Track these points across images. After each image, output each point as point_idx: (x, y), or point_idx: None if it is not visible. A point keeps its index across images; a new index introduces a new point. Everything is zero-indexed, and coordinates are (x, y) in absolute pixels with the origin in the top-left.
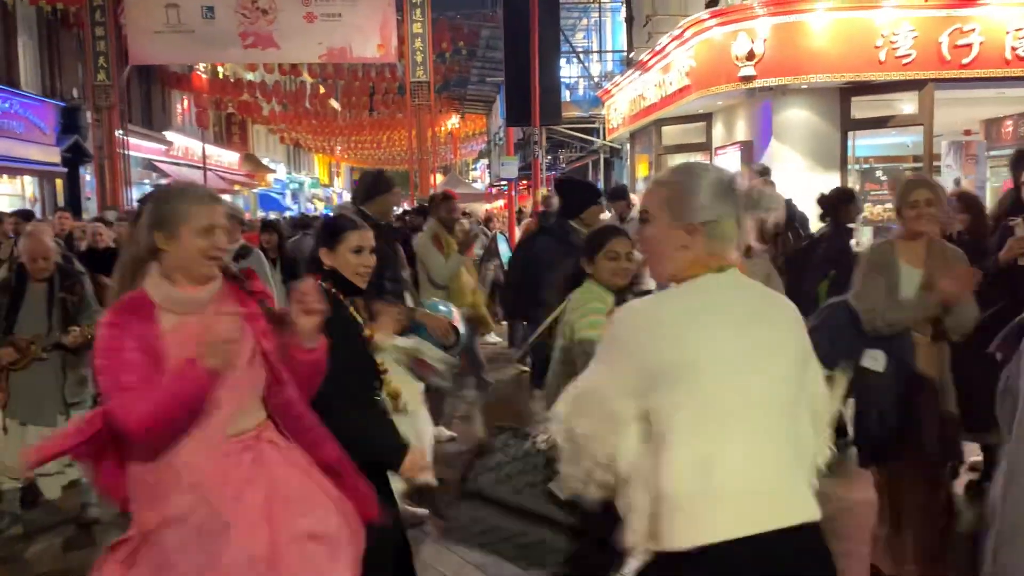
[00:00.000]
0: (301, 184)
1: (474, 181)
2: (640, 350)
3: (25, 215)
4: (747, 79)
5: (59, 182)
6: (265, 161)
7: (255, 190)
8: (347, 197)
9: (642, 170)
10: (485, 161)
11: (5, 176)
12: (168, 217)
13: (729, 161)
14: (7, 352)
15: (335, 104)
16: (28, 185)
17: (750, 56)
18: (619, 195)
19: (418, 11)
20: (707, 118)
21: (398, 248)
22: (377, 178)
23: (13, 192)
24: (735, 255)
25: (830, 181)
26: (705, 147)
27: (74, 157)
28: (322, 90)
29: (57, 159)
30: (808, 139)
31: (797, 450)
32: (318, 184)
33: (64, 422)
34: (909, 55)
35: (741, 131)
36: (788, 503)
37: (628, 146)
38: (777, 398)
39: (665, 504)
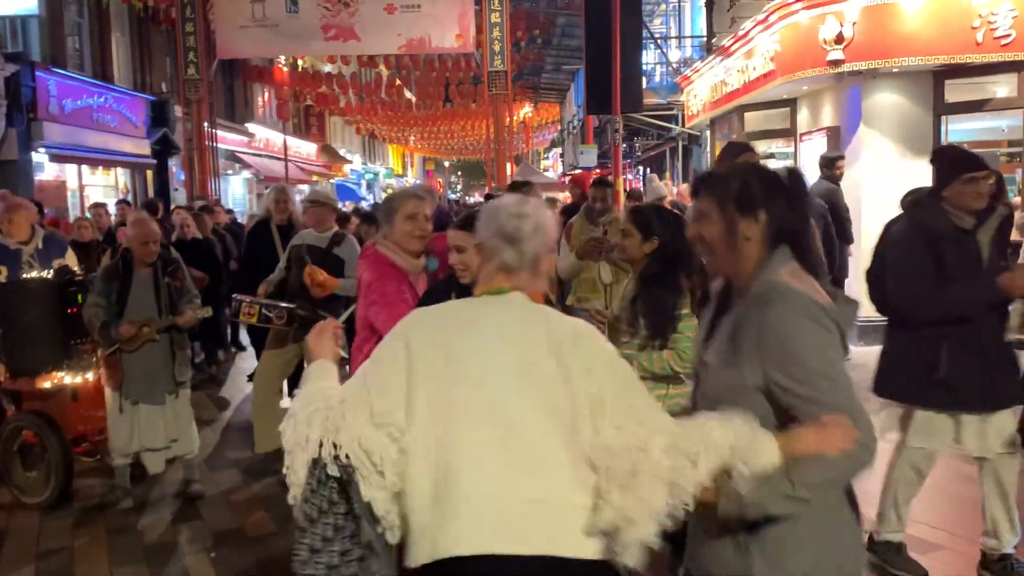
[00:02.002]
0: (376, 174)
1: (545, 170)
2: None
3: (150, 206)
4: (835, 63)
5: (149, 173)
6: (341, 152)
7: (332, 180)
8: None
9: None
10: (558, 150)
11: (100, 168)
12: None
13: (815, 147)
14: (126, 327)
15: (410, 95)
16: (121, 176)
17: (839, 39)
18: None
19: (496, 1)
20: (792, 104)
21: None
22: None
23: (107, 183)
24: (520, 278)
25: (922, 168)
26: (789, 133)
27: (163, 149)
28: (398, 81)
29: (147, 151)
30: (899, 124)
31: (551, 484)
32: (392, 174)
33: (173, 400)
34: (1009, 35)
35: (828, 117)
36: (524, 531)
37: (708, 133)
38: (532, 427)
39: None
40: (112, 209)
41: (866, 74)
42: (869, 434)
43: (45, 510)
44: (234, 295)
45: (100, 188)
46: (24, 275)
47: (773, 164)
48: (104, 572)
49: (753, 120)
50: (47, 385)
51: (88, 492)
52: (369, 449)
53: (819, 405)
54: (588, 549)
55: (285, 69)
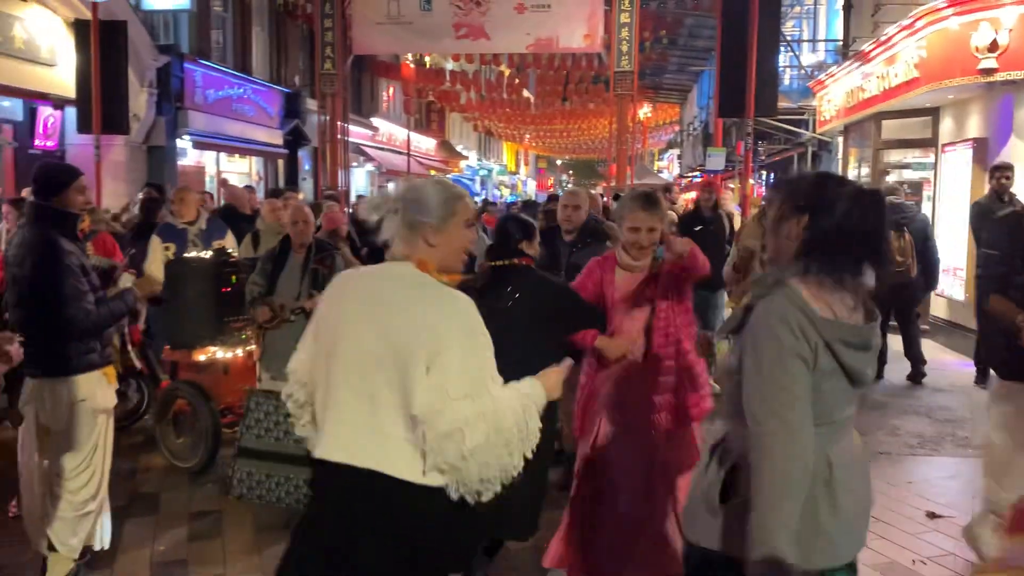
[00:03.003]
0: (490, 171)
1: (659, 171)
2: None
3: (274, 194)
4: (987, 72)
5: (280, 162)
6: (459, 148)
7: (448, 175)
8: (532, 185)
9: (857, 165)
10: (675, 151)
11: (237, 155)
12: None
13: (959, 159)
14: (263, 312)
15: (527, 94)
16: (254, 164)
17: (992, 47)
18: None
19: (627, 1)
20: (934, 112)
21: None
22: None
23: (242, 170)
24: (398, 249)
25: None
26: (930, 143)
27: (294, 140)
28: (517, 80)
29: (280, 141)
30: None
31: (387, 419)
32: (505, 171)
33: None
34: None
35: (974, 127)
36: (356, 447)
37: (840, 139)
38: (368, 371)
39: None
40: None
41: (1020, 84)
42: (785, 447)
43: (194, 475)
44: None
45: (236, 175)
46: (186, 254)
47: (909, 175)
48: (250, 537)
49: (891, 128)
50: (201, 358)
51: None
52: (287, 392)
53: (744, 396)
54: (415, 474)
55: (412, 66)
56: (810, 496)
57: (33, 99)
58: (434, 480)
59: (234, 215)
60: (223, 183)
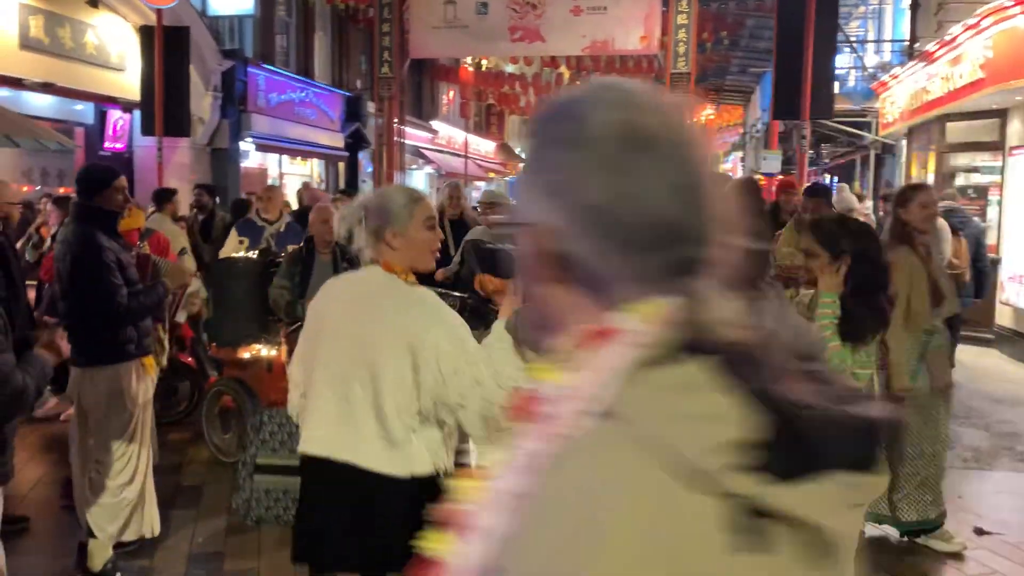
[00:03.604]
0: None
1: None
2: None
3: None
4: None
5: (341, 165)
6: (517, 150)
7: (507, 178)
8: None
9: (922, 169)
10: (739, 154)
11: (299, 158)
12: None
13: None
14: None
15: None
16: (315, 167)
17: None
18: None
19: (684, 2)
20: (1001, 115)
21: None
22: None
23: (303, 172)
24: (367, 254)
25: None
26: (997, 146)
27: (355, 143)
28: (577, 82)
29: (340, 144)
30: None
31: (354, 413)
32: None
33: None
34: None
35: None
36: (333, 442)
37: (904, 142)
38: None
39: None
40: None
41: None
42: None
43: (237, 469)
44: None
45: (297, 177)
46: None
47: (977, 179)
48: (285, 531)
49: (956, 131)
50: (246, 356)
51: None
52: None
53: None
54: (385, 466)
55: (470, 69)
56: None
57: (103, 103)
58: (402, 471)
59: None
60: (305, 186)
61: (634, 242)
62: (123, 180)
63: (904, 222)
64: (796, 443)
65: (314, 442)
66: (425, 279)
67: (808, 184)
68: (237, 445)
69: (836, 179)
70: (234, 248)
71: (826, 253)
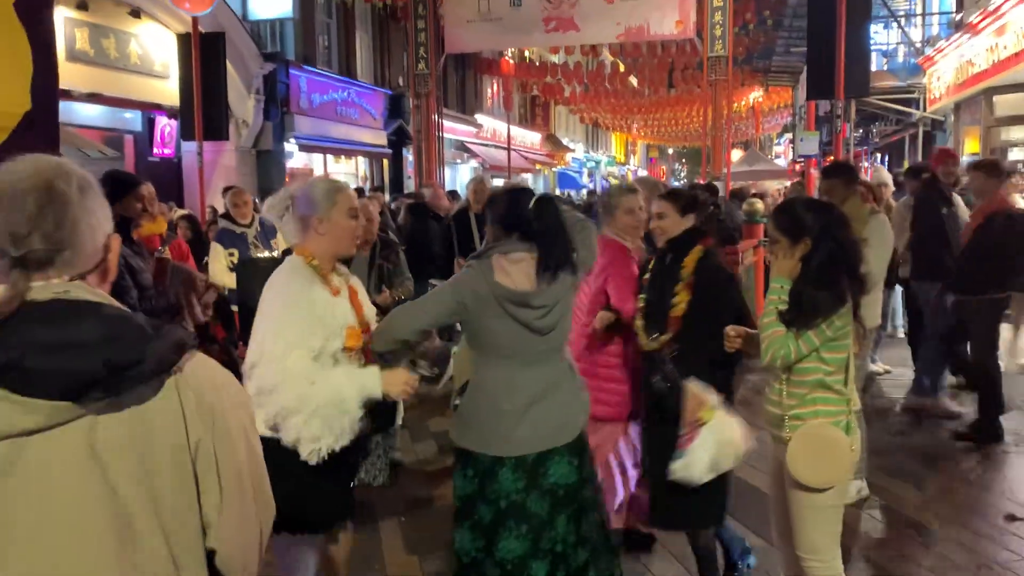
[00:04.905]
0: (598, 163)
1: (776, 157)
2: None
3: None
4: None
5: (385, 162)
6: (565, 141)
7: (554, 169)
8: (643, 174)
9: (970, 145)
10: (789, 136)
11: (343, 157)
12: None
13: None
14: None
15: (634, 82)
16: (360, 165)
17: None
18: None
19: None
20: None
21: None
22: None
23: (348, 171)
24: (292, 240)
25: None
26: None
27: (398, 140)
28: (622, 68)
29: (384, 142)
30: None
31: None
32: (614, 162)
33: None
34: None
35: None
36: None
37: (951, 118)
38: None
39: None
40: None
41: None
42: None
43: None
44: (430, 280)
45: (342, 175)
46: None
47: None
48: None
49: (1004, 104)
50: None
51: None
52: None
53: None
54: (264, 429)
55: (512, 61)
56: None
57: (150, 110)
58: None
59: None
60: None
61: None
62: (144, 189)
63: None
64: None
65: None
66: (449, 270)
67: (827, 164)
68: None
69: (886, 157)
70: (226, 264)
71: (785, 239)
